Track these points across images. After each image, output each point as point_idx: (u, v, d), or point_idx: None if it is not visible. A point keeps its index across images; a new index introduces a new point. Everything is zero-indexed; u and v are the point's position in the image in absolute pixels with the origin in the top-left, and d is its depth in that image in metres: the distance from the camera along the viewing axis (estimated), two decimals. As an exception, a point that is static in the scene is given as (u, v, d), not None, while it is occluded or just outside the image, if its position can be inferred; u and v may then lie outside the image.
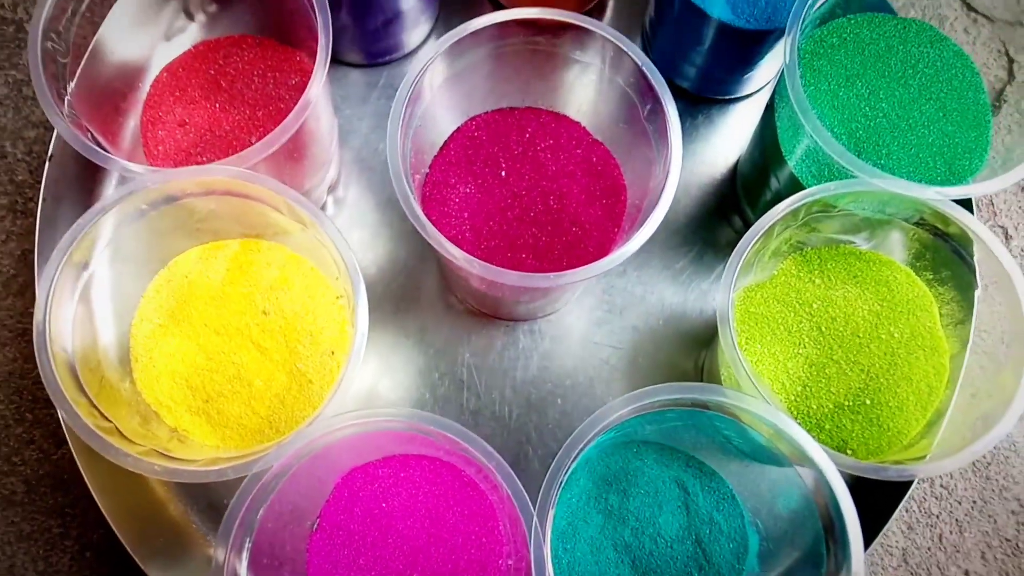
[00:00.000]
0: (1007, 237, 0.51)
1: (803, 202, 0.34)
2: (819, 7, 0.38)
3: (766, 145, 0.42)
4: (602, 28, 0.36)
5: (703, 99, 0.50)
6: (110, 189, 0.46)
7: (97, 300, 0.37)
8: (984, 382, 0.34)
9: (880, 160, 0.38)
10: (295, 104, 0.42)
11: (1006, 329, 0.33)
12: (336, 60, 0.49)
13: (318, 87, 0.35)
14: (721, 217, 0.49)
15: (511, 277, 0.33)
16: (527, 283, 0.32)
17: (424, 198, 0.40)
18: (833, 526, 0.32)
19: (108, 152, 0.35)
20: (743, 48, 0.45)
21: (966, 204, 0.42)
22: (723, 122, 0.50)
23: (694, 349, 0.47)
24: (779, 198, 0.43)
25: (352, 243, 0.47)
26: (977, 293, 0.35)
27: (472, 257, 0.32)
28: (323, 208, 0.47)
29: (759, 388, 0.33)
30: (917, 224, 0.36)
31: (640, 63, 0.35)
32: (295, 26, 0.41)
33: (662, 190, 0.35)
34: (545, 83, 0.41)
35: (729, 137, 0.50)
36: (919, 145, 0.39)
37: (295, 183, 0.42)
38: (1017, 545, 0.47)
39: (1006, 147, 0.41)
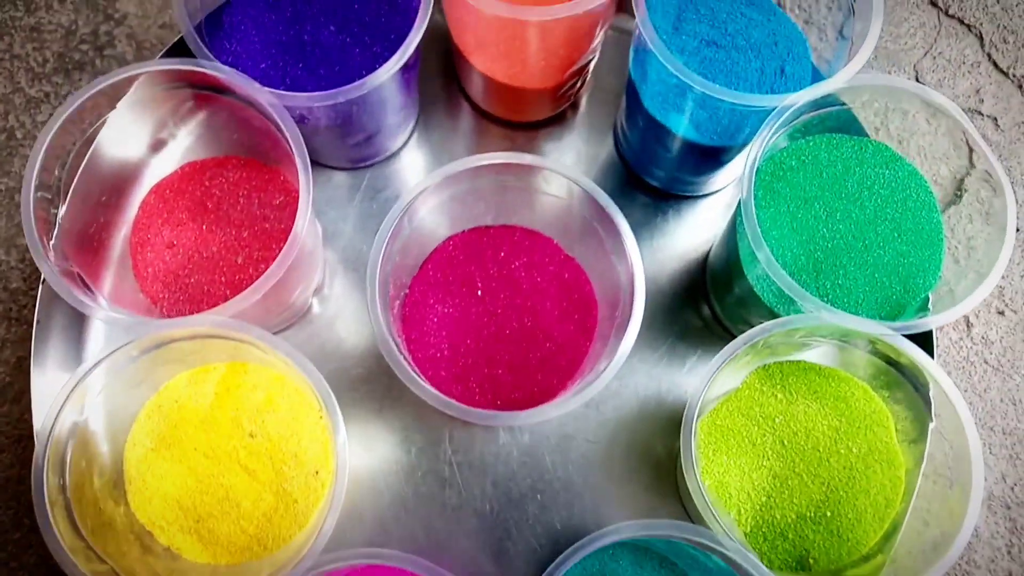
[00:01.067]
0: (968, 325, 0.53)
1: (759, 337, 0.36)
2: (778, 134, 0.40)
3: (730, 258, 0.44)
4: (566, 170, 0.38)
5: (673, 195, 0.52)
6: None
7: (92, 425, 0.38)
8: (935, 506, 0.36)
9: (838, 280, 0.40)
10: (280, 224, 0.44)
11: (953, 460, 0.35)
12: (319, 164, 0.51)
13: (302, 228, 0.37)
14: (691, 304, 0.51)
15: (478, 416, 0.34)
16: (495, 422, 0.34)
17: (404, 318, 0.42)
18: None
19: (93, 291, 0.36)
20: (707, 158, 0.46)
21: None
22: (691, 216, 0.52)
23: (668, 436, 0.49)
24: (743, 301, 0.45)
25: (335, 341, 0.49)
26: (932, 425, 0.37)
27: (450, 400, 0.34)
28: (308, 311, 0.49)
29: (717, 519, 0.35)
30: (872, 353, 0.38)
31: (603, 204, 0.37)
32: (276, 149, 0.43)
33: (629, 316, 0.37)
34: (519, 204, 0.43)
35: (697, 230, 0.52)
36: (875, 265, 0.40)
37: (283, 299, 0.44)
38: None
39: (967, 235, 0.43)
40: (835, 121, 0.42)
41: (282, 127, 0.37)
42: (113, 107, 0.39)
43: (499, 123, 0.53)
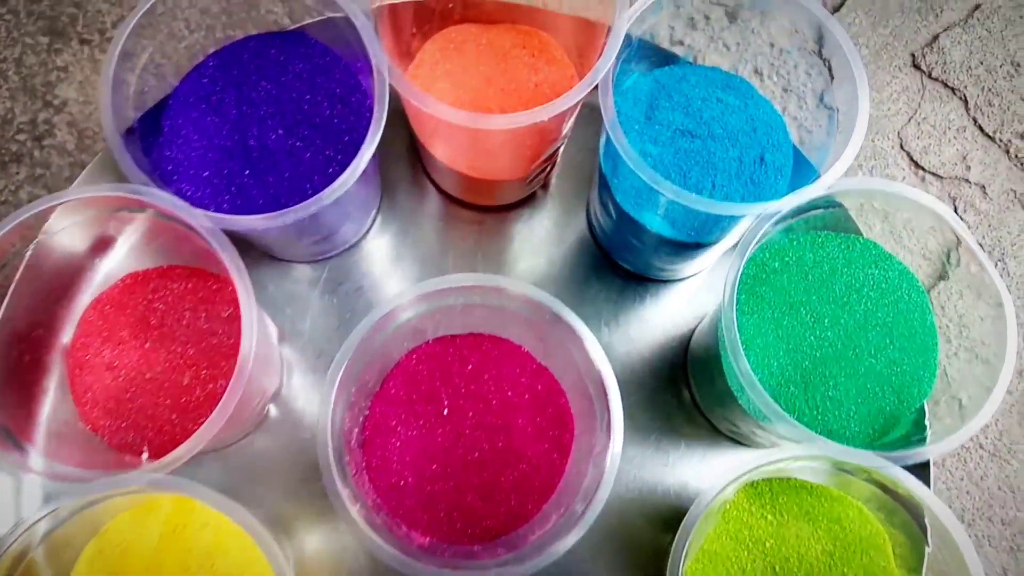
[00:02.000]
0: (962, 407, 0.50)
1: (749, 476, 0.33)
2: (760, 239, 0.38)
3: (710, 354, 0.41)
4: (514, 285, 0.35)
5: (649, 279, 0.49)
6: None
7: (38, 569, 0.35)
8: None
9: (828, 391, 0.38)
10: (229, 339, 0.41)
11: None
12: (275, 258, 0.48)
13: (248, 358, 0.34)
14: (671, 388, 0.48)
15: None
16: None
17: (365, 443, 0.39)
18: None
19: (21, 444, 0.33)
20: (683, 250, 0.44)
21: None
22: (669, 298, 0.50)
23: (657, 532, 0.46)
24: (723, 400, 0.43)
25: (299, 443, 0.46)
26: (928, 551, 0.35)
27: (407, 560, 0.31)
28: (265, 417, 0.46)
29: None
30: (867, 480, 0.36)
31: (559, 312, 0.35)
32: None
33: (605, 457, 0.34)
34: (486, 315, 0.40)
35: (676, 311, 0.50)
36: (867, 374, 0.38)
37: (237, 417, 0.41)
38: None
39: (959, 313, 0.41)
40: (823, 219, 0.40)
41: (220, 255, 0.34)
42: (36, 236, 0.35)
43: (467, 206, 0.51)
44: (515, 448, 0.39)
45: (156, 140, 0.39)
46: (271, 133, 0.39)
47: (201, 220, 0.34)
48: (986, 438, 0.50)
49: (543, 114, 0.35)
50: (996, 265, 0.53)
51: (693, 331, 0.49)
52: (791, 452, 0.34)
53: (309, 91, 0.40)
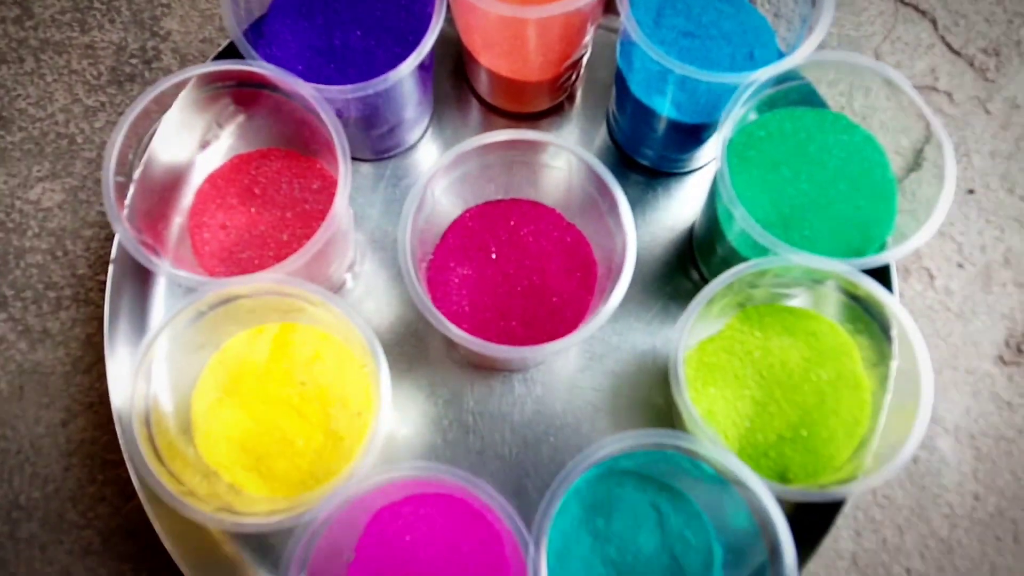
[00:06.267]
0: (931, 277, 0.59)
1: (735, 277, 0.42)
2: (747, 108, 0.46)
3: (711, 222, 0.50)
4: (566, 145, 0.44)
5: (661, 173, 0.58)
6: (162, 284, 0.55)
7: (161, 380, 0.45)
8: (895, 422, 0.42)
9: (804, 232, 0.46)
10: (319, 206, 0.50)
11: (906, 380, 0.41)
12: (347, 156, 0.58)
13: (342, 206, 0.43)
14: (681, 270, 0.57)
15: (502, 351, 0.41)
16: (516, 355, 0.40)
17: (429, 281, 0.48)
18: (774, 540, 0.40)
19: (159, 257, 0.43)
20: (689, 135, 0.53)
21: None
22: (679, 191, 0.59)
23: (664, 387, 0.55)
24: (725, 260, 0.51)
25: (368, 311, 0.55)
26: (894, 348, 0.43)
27: (471, 337, 0.40)
28: (343, 285, 0.55)
29: (704, 430, 0.41)
30: (838, 290, 0.44)
31: (598, 171, 0.44)
32: (314, 139, 0.49)
33: (622, 268, 0.43)
34: (525, 180, 0.49)
35: (684, 203, 0.58)
36: (837, 218, 0.47)
37: (322, 271, 0.50)
38: (950, 544, 0.54)
39: (926, 197, 0.49)
40: (798, 95, 0.48)
41: (323, 116, 0.43)
42: (170, 106, 0.45)
43: (504, 115, 0.60)
44: (549, 284, 0.48)
45: (260, 42, 0.49)
46: (351, 35, 0.49)
47: (308, 89, 0.44)
48: (952, 302, 0.58)
49: (570, 5, 0.44)
50: (961, 161, 0.61)
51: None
52: (772, 260, 0.43)
53: (380, 1, 0.50)
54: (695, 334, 0.47)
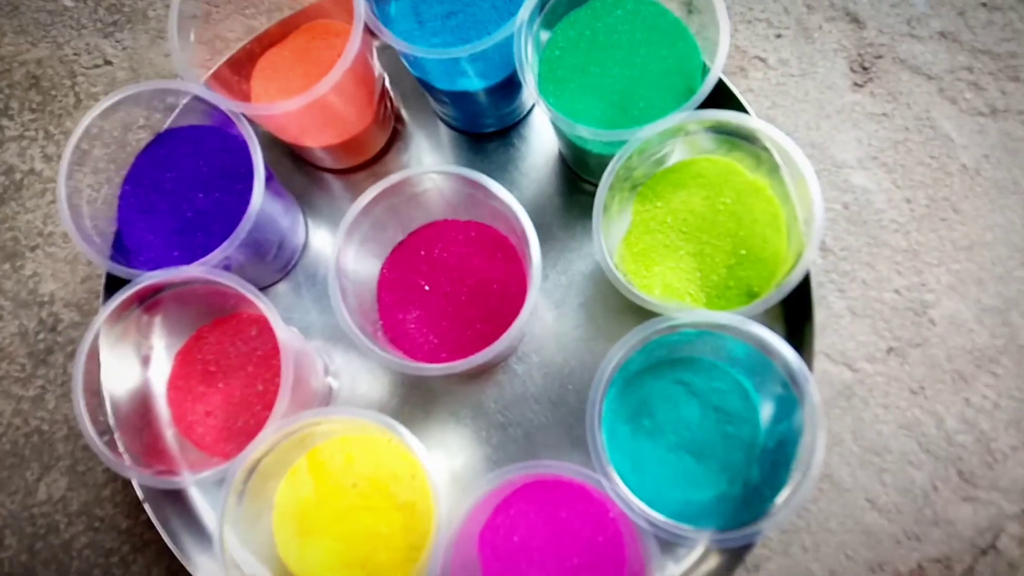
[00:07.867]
0: (762, 61, 0.64)
1: (612, 176, 0.47)
2: (530, 40, 0.51)
3: (568, 146, 0.55)
4: (419, 171, 0.49)
5: (510, 126, 0.63)
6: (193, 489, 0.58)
7: (248, 562, 0.49)
8: (801, 189, 0.48)
9: (640, 105, 0.51)
10: (268, 346, 0.54)
11: (783, 150, 0.47)
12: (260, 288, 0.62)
13: (284, 334, 0.48)
14: (577, 191, 0.62)
15: (486, 355, 0.45)
16: (495, 351, 0.45)
17: (391, 340, 0.53)
18: (772, 351, 0.46)
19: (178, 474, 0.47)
20: (507, 87, 0.57)
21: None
22: (532, 131, 0.63)
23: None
24: (601, 163, 0.56)
25: (364, 393, 0.60)
26: (766, 144, 0.48)
27: (454, 363, 0.45)
28: (331, 391, 0.59)
29: (668, 306, 0.46)
30: (703, 130, 0.49)
31: (458, 172, 0.48)
32: (226, 299, 0.53)
33: (524, 230, 0.48)
34: (412, 211, 0.54)
35: (544, 137, 0.63)
36: (655, 78, 0.51)
37: (305, 393, 0.54)
38: (913, 250, 0.61)
39: (713, 40, 0.53)
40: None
41: (221, 280, 0.47)
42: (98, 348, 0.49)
43: (357, 171, 0.64)
44: (484, 279, 0.53)
45: (130, 256, 0.52)
46: (195, 199, 0.53)
47: (194, 270, 0.48)
48: (791, 67, 0.64)
49: (338, 72, 0.48)
50: None
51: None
52: (629, 145, 0.48)
53: (200, 158, 0.53)
54: (614, 236, 0.52)
